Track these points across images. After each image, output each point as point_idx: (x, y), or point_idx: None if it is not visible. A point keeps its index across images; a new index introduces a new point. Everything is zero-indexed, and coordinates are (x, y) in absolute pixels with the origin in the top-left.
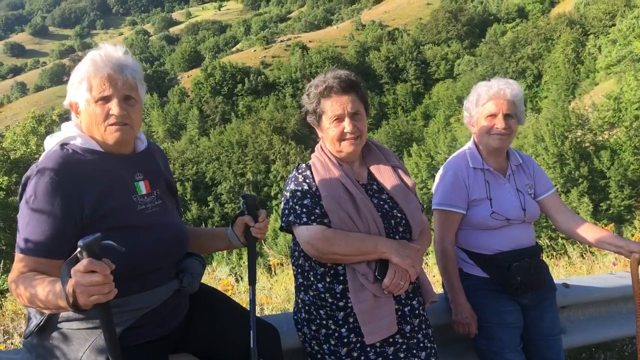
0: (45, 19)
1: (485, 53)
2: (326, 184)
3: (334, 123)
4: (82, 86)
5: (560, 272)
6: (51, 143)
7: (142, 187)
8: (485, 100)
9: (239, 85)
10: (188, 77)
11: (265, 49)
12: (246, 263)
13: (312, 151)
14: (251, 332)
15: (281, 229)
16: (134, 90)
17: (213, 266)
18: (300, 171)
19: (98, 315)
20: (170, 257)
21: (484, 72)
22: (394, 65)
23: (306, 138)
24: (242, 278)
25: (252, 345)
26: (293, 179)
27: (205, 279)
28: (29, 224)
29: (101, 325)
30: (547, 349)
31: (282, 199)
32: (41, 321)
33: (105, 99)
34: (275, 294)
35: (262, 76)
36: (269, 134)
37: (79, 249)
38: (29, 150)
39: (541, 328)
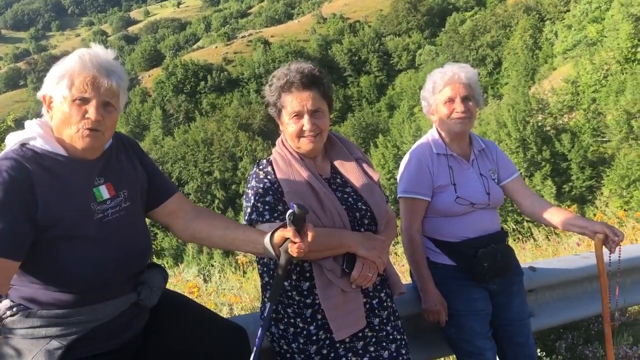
0: None
1: (446, 42)
2: (288, 180)
3: (293, 119)
4: (62, 82)
5: (527, 255)
6: (12, 141)
7: (104, 191)
8: (441, 87)
9: (202, 83)
10: (149, 76)
11: (227, 45)
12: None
13: None
14: (255, 348)
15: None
16: (115, 97)
17: (180, 267)
18: (261, 167)
19: None
20: (126, 270)
21: (445, 61)
22: (356, 58)
23: (272, 134)
24: (209, 279)
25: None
26: (254, 176)
27: (172, 281)
28: None
29: None
30: (517, 334)
31: (244, 196)
32: None
33: (84, 101)
34: (245, 292)
35: (225, 73)
36: (235, 130)
37: None
38: None
39: (510, 313)
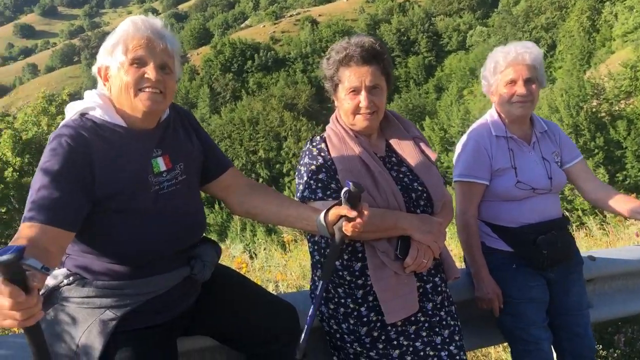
0: None
1: (498, 23)
2: (342, 157)
3: (349, 95)
4: (117, 49)
5: (581, 245)
6: (71, 111)
7: (161, 163)
8: (503, 67)
9: (249, 62)
10: (198, 54)
11: (275, 24)
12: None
13: (324, 128)
14: (306, 326)
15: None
16: (171, 59)
17: (227, 243)
18: (314, 144)
19: (25, 336)
20: (179, 244)
21: (496, 42)
22: (405, 38)
23: (317, 114)
24: (255, 255)
25: (301, 341)
26: (307, 153)
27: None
28: (39, 189)
29: (30, 347)
30: (575, 324)
31: (296, 173)
32: (45, 292)
33: (141, 62)
34: (290, 270)
35: (272, 52)
36: (280, 110)
37: None
38: (40, 130)
39: (568, 303)
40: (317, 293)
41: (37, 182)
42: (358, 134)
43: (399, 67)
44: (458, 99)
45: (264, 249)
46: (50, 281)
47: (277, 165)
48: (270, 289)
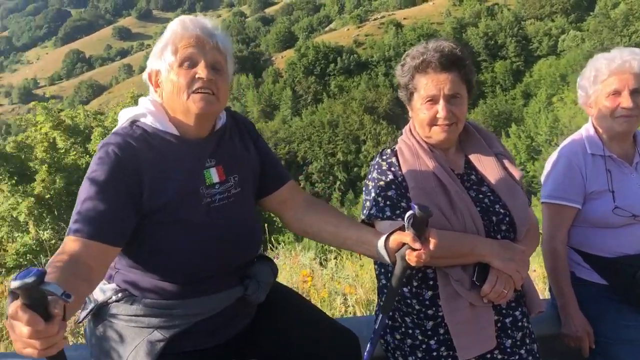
0: (149, 2)
1: (594, 27)
2: (415, 174)
3: (426, 104)
4: (166, 51)
5: None
6: (123, 118)
7: (214, 174)
8: (606, 76)
9: (332, 65)
10: (282, 57)
11: (359, 27)
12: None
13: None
14: None
15: (362, 222)
16: (222, 58)
17: (297, 249)
18: (384, 157)
19: None
20: (232, 262)
21: (591, 47)
22: (492, 42)
23: (398, 118)
24: (326, 264)
25: None
26: (376, 167)
27: (288, 262)
28: (85, 200)
29: None
30: None
31: (364, 188)
32: (94, 307)
33: (192, 62)
34: (361, 281)
35: (355, 55)
36: (360, 113)
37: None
38: None
39: None
40: (376, 327)
41: (83, 192)
42: (434, 148)
43: (485, 72)
44: (547, 106)
45: (335, 257)
46: (99, 296)
47: (355, 169)
48: (338, 301)
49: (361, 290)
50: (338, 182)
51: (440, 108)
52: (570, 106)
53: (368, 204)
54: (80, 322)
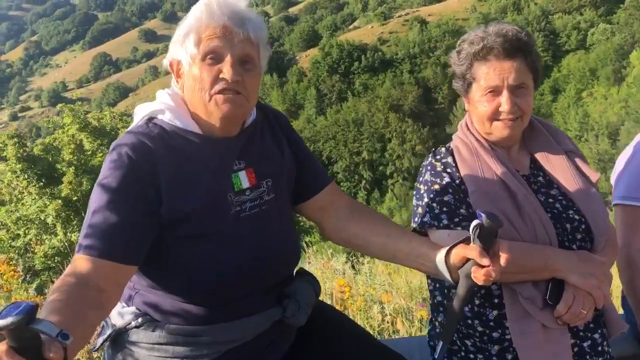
0: (174, 4)
1: (624, 20)
2: (475, 175)
3: (486, 96)
4: (188, 39)
5: None
6: (139, 115)
7: (244, 179)
8: None
9: (356, 63)
10: (306, 56)
11: (383, 25)
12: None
13: (430, 129)
14: None
15: (414, 230)
16: (253, 51)
17: (328, 254)
18: (438, 157)
19: None
20: (267, 279)
21: (622, 41)
22: None
23: (424, 115)
24: (359, 270)
25: None
26: (429, 168)
27: (319, 266)
28: (95, 212)
29: None
30: None
31: (414, 192)
32: (111, 334)
33: (216, 57)
34: (396, 287)
35: (379, 53)
36: (385, 111)
37: None
38: None
39: None
40: (436, 357)
41: (94, 202)
42: (495, 146)
43: None
44: (576, 101)
45: (367, 262)
46: (117, 321)
47: (381, 167)
48: (375, 310)
49: (399, 297)
50: (363, 181)
51: (504, 100)
52: (601, 101)
53: (420, 210)
54: (96, 350)
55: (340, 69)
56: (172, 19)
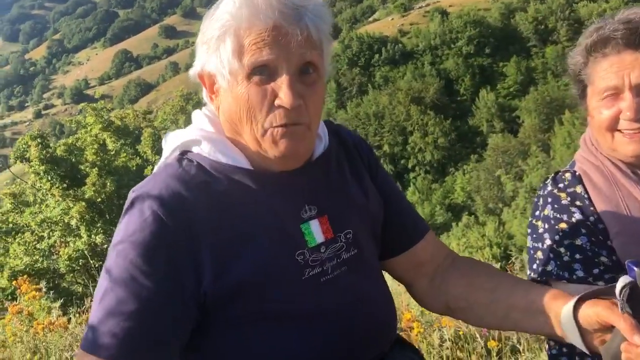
0: (193, 0)
1: None
2: (617, 212)
3: (604, 100)
4: (224, 46)
5: None
6: (170, 146)
7: (316, 230)
8: None
9: (376, 56)
10: None
11: (403, 16)
12: None
13: (452, 121)
14: None
15: (531, 279)
16: (316, 54)
17: None
18: (561, 186)
19: None
20: (359, 357)
21: None
22: (542, 27)
23: (446, 107)
24: None
25: None
26: (550, 200)
27: None
28: (105, 296)
29: None
30: None
31: (529, 231)
32: None
33: (268, 73)
34: None
35: (400, 45)
36: (407, 104)
37: None
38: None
39: None
40: None
41: (104, 281)
42: (634, 167)
43: (535, 58)
44: None
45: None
46: None
47: (402, 161)
48: (435, 338)
49: (459, 324)
50: None
51: (626, 105)
52: None
53: (541, 255)
54: None
55: (360, 62)
56: (192, 14)
